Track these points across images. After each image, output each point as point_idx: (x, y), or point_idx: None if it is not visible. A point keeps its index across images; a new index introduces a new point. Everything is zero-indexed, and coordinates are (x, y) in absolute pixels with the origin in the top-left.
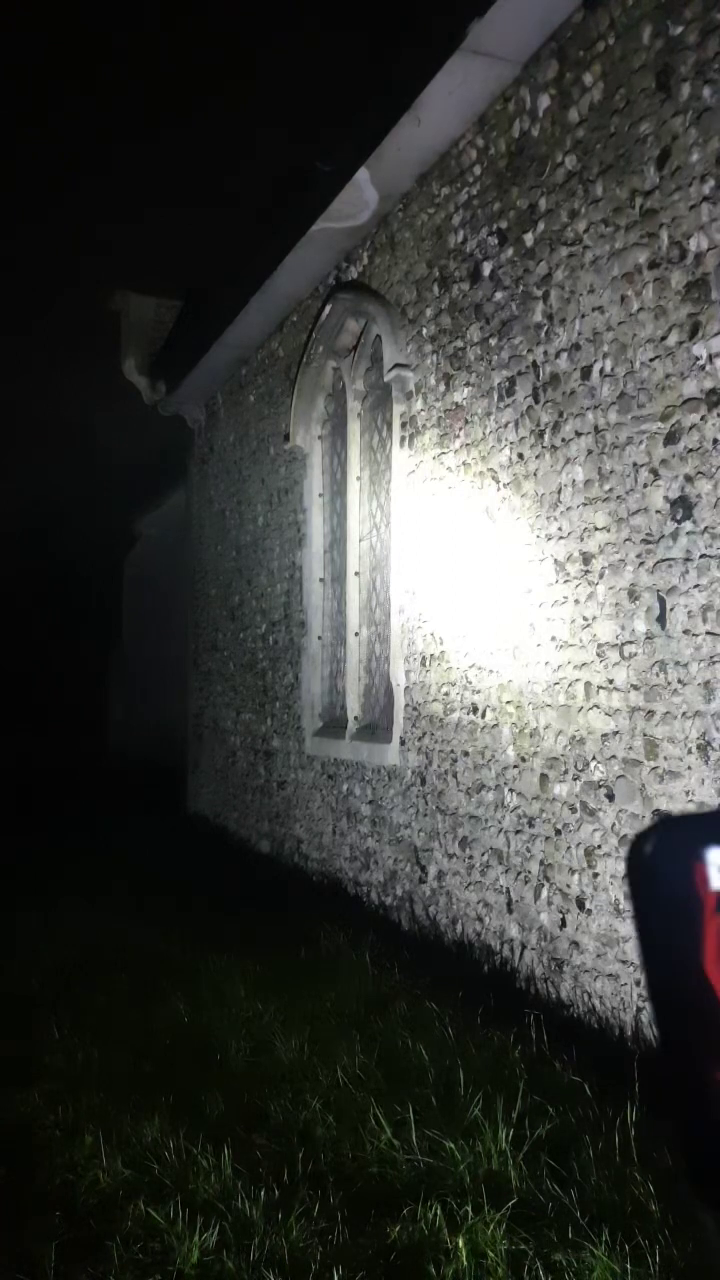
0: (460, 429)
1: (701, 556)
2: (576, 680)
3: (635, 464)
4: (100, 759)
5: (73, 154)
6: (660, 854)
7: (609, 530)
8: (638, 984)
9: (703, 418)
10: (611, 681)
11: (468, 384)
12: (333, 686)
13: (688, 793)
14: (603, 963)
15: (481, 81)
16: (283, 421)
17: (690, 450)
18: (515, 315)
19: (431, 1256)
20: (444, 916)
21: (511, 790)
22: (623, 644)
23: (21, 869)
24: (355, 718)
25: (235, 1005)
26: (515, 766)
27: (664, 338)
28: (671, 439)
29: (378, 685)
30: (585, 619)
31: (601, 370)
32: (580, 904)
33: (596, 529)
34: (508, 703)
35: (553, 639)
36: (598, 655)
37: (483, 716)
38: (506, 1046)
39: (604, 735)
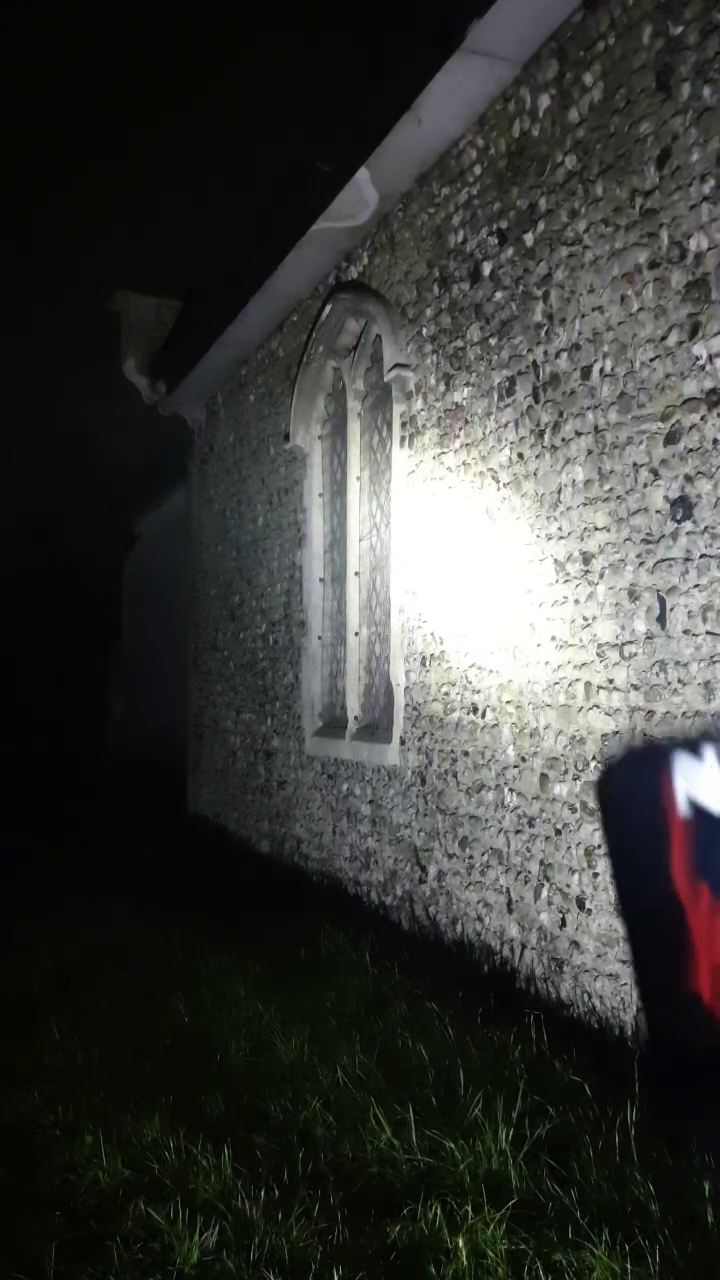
0: (460, 429)
1: (701, 556)
2: (576, 680)
3: (635, 464)
4: (100, 759)
5: (72, 154)
6: (630, 776)
7: (609, 530)
8: (638, 984)
9: (703, 418)
10: (611, 681)
11: (468, 384)
12: (333, 686)
13: None
14: (603, 963)
15: (481, 81)
16: (283, 421)
17: (690, 450)
18: (515, 315)
19: (431, 1256)
20: (444, 916)
21: (511, 790)
22: (623, 644)
23: (22, 869)
24: (355, 718)
25: (235, 1005)
26: (515, 766)
27: (664, 338)
28: (671, 439)
29: (378, 685)
30: (585, 619)
31: (601, 370)
32: (580, 904)
33: (596, 529)
34: (508, 703)
35: (553, 639)
36: (598, 655)
37: (483, 716)
38: (506, 1046)
39: (604, 735)
